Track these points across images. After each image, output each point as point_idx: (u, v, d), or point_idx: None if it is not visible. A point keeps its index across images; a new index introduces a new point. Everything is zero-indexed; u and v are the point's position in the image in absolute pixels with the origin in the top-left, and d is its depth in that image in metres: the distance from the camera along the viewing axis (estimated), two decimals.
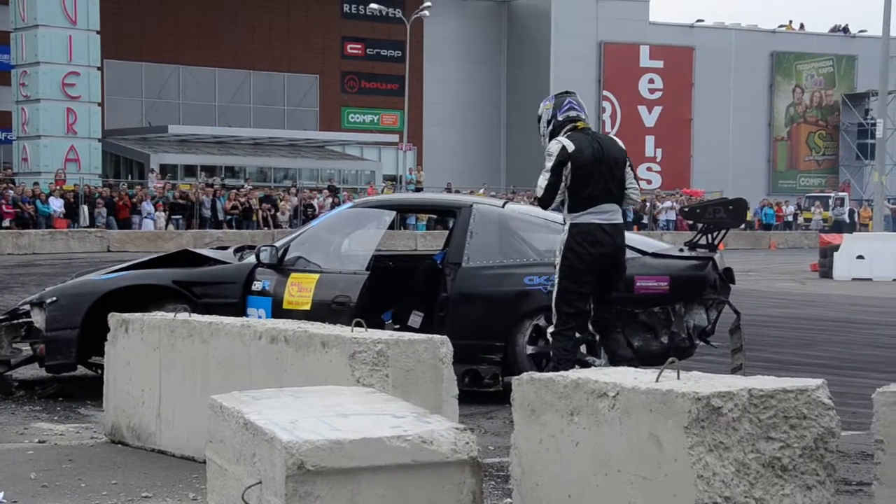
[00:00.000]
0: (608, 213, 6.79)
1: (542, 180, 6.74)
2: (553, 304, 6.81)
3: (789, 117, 58.98)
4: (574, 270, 6.73)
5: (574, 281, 6.74)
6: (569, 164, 6.66)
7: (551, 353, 6.92)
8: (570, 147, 6.70)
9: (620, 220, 6.91)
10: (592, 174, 6.70)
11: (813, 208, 46.12)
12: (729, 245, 32.32)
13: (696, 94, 55.88)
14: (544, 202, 6.79)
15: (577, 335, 6.92)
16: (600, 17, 53.70)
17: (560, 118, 6.92)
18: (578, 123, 6.90)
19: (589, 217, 6.73)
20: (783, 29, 59.82)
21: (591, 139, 6.84)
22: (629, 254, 7.92)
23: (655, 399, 3.26)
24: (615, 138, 7.10)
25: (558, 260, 6.79)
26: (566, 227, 6.79)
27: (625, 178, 6.91)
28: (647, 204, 42.82)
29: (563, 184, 6.69)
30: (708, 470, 3.16)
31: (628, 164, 6.97)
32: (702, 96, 55.75)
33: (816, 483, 3.33)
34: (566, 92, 7.18)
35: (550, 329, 6.89)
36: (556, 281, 6.80)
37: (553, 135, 6.90)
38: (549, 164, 6.72)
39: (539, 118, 7.11)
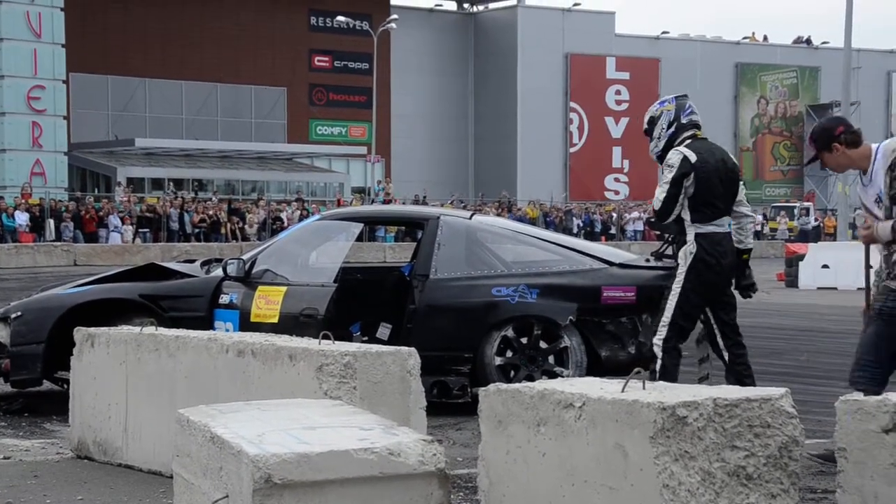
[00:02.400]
0: (724, 225, 6.68)
1: (661, 192, 6.55)
2: (669, 317, 6.59)
3: (754, 128, 59.48)
4: (702, 282, 6.56)
5: (700, 293, 6.58)
6: (692, 175, 6.48)
7: (658, 368, 6.62)
8: (693, 158, 6.52)
9: (731, 231, 6.79)
10: (715, 185, 6.55)
11: (778, 218, 46.48)
12: None
13: None
14: (663, 215, 6.58)
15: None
16: (566, 28, 53.97)
17: (684, 121, 6.77)
18: (698, 132, 6.78)
19: (713, 227, 6.59)
20: (747, 41, 60.37)
21: (713, 149, 6.71)
22: (596, 264, 7.97)
23: (621, 409, 3.28)
24: (727, 152, 6.95)
25: (683, 271, 6.55)
26: (691, 238, 6.58)
27: (737, 192, 6.78)
28: (615, 214, 43.01)
29: (682, 195, 6.53)
30: (674, 479, 3.18)
31: (741, 180, 6.88)
32: None
33: (781, 491, 3.36)
34: (684, 95, 7.03)
35: (658, 339, 6.63)
36: (678, 293, 6.55)
37: (673, 137, 6.72)
38: (668, 175, 6.52)
39: (653, 119, 6.87)
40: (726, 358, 6.80)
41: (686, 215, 6.61)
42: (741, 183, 6.91)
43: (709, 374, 7.58)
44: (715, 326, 6.83)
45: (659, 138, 6.82)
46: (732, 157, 6.98)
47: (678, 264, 6.67)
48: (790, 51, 60.56)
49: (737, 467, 3.29)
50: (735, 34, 62.22)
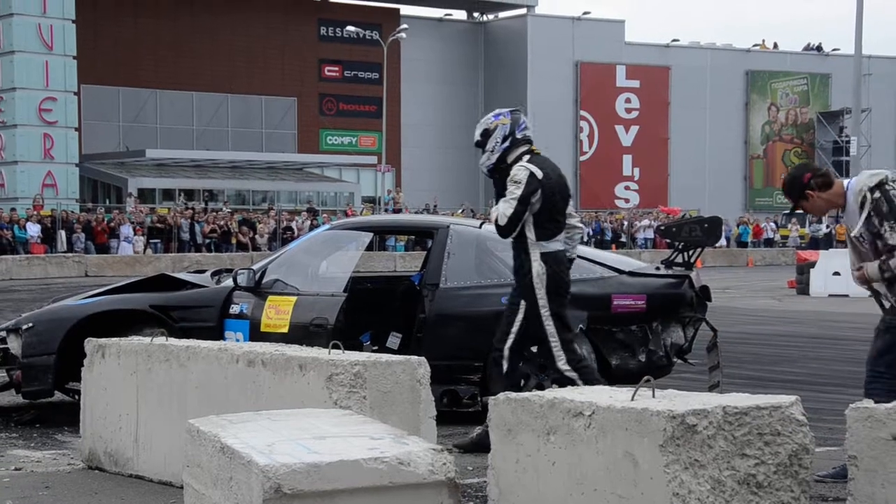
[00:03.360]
0: (562, 241, 6.63)
1: (507, 208, 6.40)
2: (549, 338, 6.45)
3: (765, 135, 59.38)
4: (559, 295, 6.50)
5: (560, 304, 6.52)
6: (539, 192, 6.41)
7: (579, 381, 6.43)
8: (540, 174, 6.43)
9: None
10: (559, 201, 6.52)
11: (790, 226, 46.37)
12: (706, 262, 32.43)
13: (673, 113, 56.20)
14: (506, 232, 6.48)
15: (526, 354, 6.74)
16: (577, 37, 53.99)
17: (518, 136, 6.64)
18: (533, 147, 6.68)
19: (555, 245, 6.55)
20: (757, 48, 60.30)
21: (551, 164, 6.63)
22: (606, 272, 7.97)
23: (631, 418, 3.28)
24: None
25: (541, 290, 6.45)
26: (537, 258, 6.48)
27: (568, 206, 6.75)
28: (625, 222, 42.96)
29: (528, 212, 6.43)
30: (683, 488, 3.18)
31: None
32: (678, 115, 56.07)
33: (791, 499, 3.35)
34: (517, 109, 6.94)
35: (564, 366, 6.47)
36: (549, 316, 6.44)
37: (506, 152, 6.61)
38: (516, 192, 6.37)
39: (487, 132, 6.65)
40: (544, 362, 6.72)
41: (530, 233, 6.50)
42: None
43: (719, 382, 7.57)
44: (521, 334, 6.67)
45: (492, 151, 6.64)
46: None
47: (535, 287, 6.49)
48: (801, 58, 60.48)
49: (747, 475, 3.28)
50: (745, 42, 62.18)
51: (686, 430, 3.19)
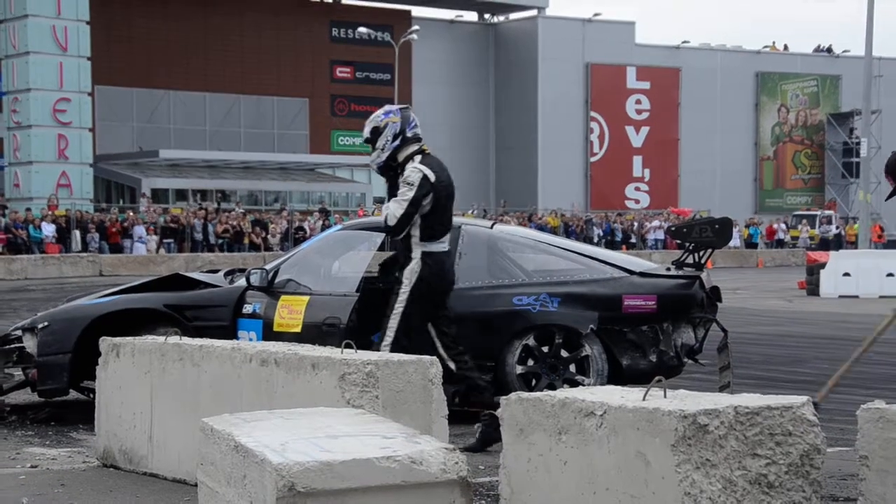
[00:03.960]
0: (447, 242, 6.68)
1: (398, 209, 6.42)
2: (387, 330, 6.50)
3: (775, 136, 59.27)
4: (423, 301, 6.51)
5: (421, 310, 6.54)
6: (430, 195, 6.44)
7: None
8: (433, 176, 6.46)
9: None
10: (447, 202, 6.56)
11: (800, 226, 46.27)
12: (717, 263, 32.38)
13: (683, 115, 56.13)
14: (395, 232, 6.49)
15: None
16: (587, 38, 53.96)
17: (409, 134, 6.64)
18: (424, 146, 6.69)
19: (439, 246, 6.57)
20: (767, 49, 60.18)
21: (441, 165, 6.64)
22: (616, 273, 7.99)
23: (642, 417, 3.30)
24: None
25: (407, 289, 6.49)
26: (417, 257, 6.51)
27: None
28: (635, 223, 42.91)
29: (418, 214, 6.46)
30: (695, 487, 3.19)
31: None
32: (688, 116, 55.99)
33: (803, 499, 3.37)
34: (406, 107, 6.95)
35: (385, 344, 6.46)
36: (400, 311, 6.48)
37: (396, 150, 6.61)
38: (409, 194, 6.40)
39: (377, 130, 6.66)
40: (453, 367, 6.62)
41: (416, 233, 6.51)
42: None
43: (730, 383, 7.58)
44: (436, 340, 6.66)
45: (382, 150, 6.65)
46: None
47: (403, 283, 6.55)
48: (811, 59, 60.35)
49: (758, 475, 3.29)
50: (756, 43, 61.96)
51: (697, 430, 3.21)
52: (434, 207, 6.50)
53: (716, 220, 8.08)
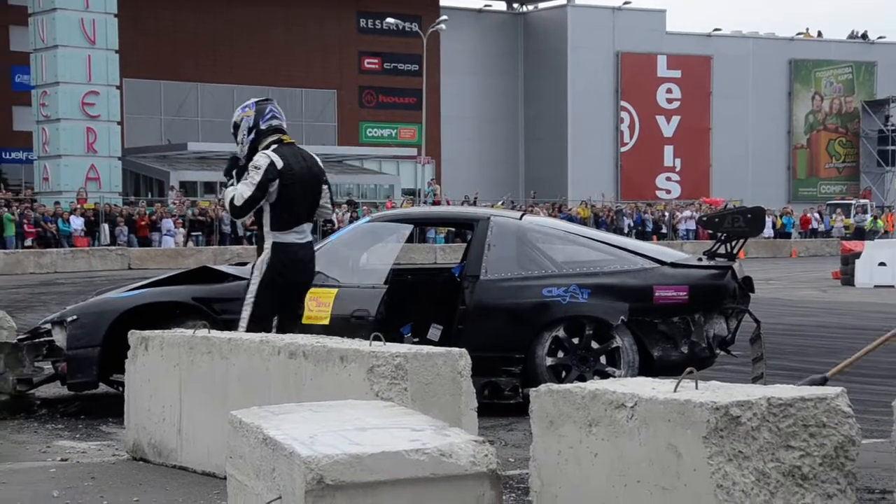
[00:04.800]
0: (305, 233, 6.70)
1: (246, 190, 6.48)
2: (244, 324, 6.53)
3: (809, 125, 58.86)
4: (273, 290, 6.55)
5: (269, 301, 6.56)
6: (277, 182, 6.47)
7: None
8: (280, 163, 6.50)
9: (311, 238, 6.81)
10: (298, 192, 6.56)
11: (834, 216, 45.93)
12: (749, 253, 32.20)
13: (715, 103, 55.83)
14: (239, 213, 6.54)
15: None
16: (617, 27, 53.76)
17: (263, 126, 6.71)
18: (284, 137, 6.73)
19: (292, 237, 6.61)
20: (801, 36, 59.76)
21: (298, 155, 6.67)
22: (647, 263, 7.93)
23: (674, 409, 3.25)
24: (315, 156, 6.94)
25: (257, 278, 6.56)
26: (268, 247, 6.58)
27: (319, 197, 6.79)
28: (667, 214, 42.73)
29: (265, 200, 6.50)
30: (727, 479, 3.15)
31: (326, 184, 6.86)
32: (720, 105, 55.68)
33: (837, 491, 3.31)
34: (266, 99, 6.99)
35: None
36: (251, 301, 6.56)
37: (254, 143, 6.67)
38: (256, 177, 6.46)
39: (236, 125, 6.79)
40: None
41: (267, 221, 6.57)
42: (326, 188, 6.84)
43: (763, 374, 7.52)
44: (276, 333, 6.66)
45: (242, 143, 6.74)
46: (319, 163, 6.89)
47: (254, 272, 6.62)
48: (845, 46, 59.86)
49: (792, 467, 3.25)
50: (789, 30, 61.67)
51: (730, 422, 3.17)
52: (281, 196, 6.52)
53: (748, 209, 8.01)
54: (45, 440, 6.76)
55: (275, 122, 6.76)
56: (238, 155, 6.86)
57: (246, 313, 6.60)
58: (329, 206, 6.88)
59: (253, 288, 6.61)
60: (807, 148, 58.91)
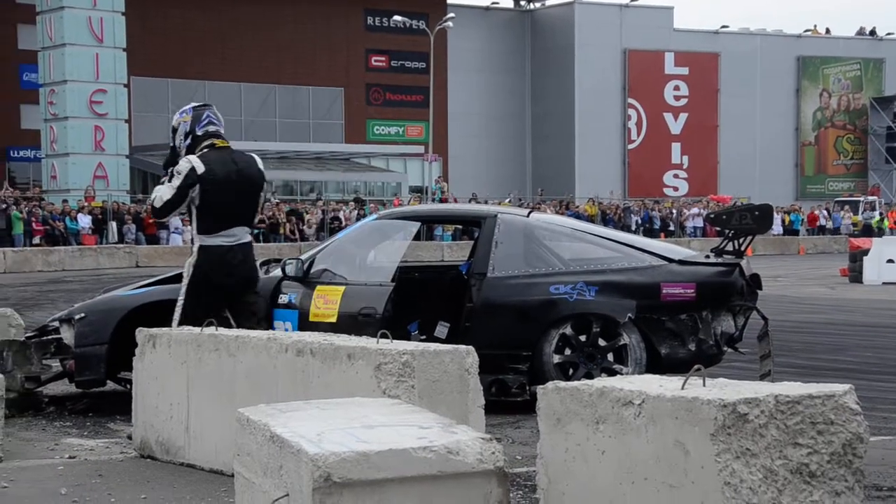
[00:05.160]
0: (236, 237, 6.75)
1: (167, 193, 6.65)
2: (175, 325, 6.64)
3: (817, 122, 58.73)
4: (200, 293, 6.65)
5: (199, 303, 6.63)
6: (197, 186, 6.58)
7: None
8: (200, 169, 6.59)
9: (248, 240, 6.86)
10: (224, 197, 6.62)
11: (842, 213, 45.82)
12: (757, 251, 32.15)
13: (722, 101, 55.74)
14: (159, 215, 6.75)
15: None
16: (624, 24, 53.69)
17: (199, 132, 6.82)
18: (217, 141, 6.82)
19: (219, 240, 6.67)
20: (809, 33, 59.62)
21: (228, 160, 6.73)
22: (655, 261, 7.92)
23: (681, 406, 3.25)
24: (256, 158, 7.00)
25: (186, 280, 6.71)
26: (195, 250, 6.71)
27: (258, 201, 6.90)
28: (674, 211, 42.68)
29: (186, 203, 6.62)
30: (735, 477, 3.15)
31: (263, 190, 6.95)
32: (728, 102, 55.59)
33: (845, 489, 3.31)
34: (204, 105, 7.07)
35: None
36: (181, 302, 6.69)
37: (191, 149, 6.79)
38: (176, 182, 6.61)
39: (174, 130, 6.92)
40: None
41: (194, 226, 6.71)
42: (263, 194, 6.95)
43: (770, 371, 7.50)
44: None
45: (179, 148, 6.86)
46: (259, 165, 6.95)
47: (184, 275, 6.76)
48: (853, 43, 59.71)
49: (799, 464, 3.24)
50: (796, 27, 61.55)
51: (737, 419, 3.16)
52: (204, 201, 6.62)
53: (756, 206, 7.99)
54: (53, 438, 6.77)
55: (211, 128, 6.86)
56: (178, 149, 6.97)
57: (176, 314, 6.71)
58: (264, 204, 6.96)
59: (182, 290, 6.74)
60: (815, 145, 58.78)
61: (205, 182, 6.60)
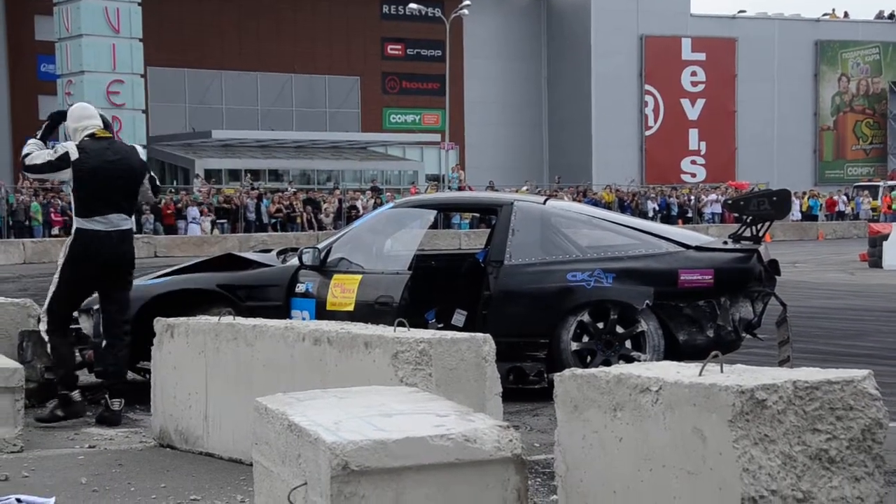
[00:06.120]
0: (111, 222, 6.87)
1: (38, 158, 6.87)
2: (46, 305, 6.90)
3: (835, 106, 58.37)
4: (73, 272, 6.84)
5: (72, 281, 6.86)
6: (69, 171, 6.81)
7: (50, 352, 6.99)
8: (74, 155, 6.82)
9: (126, 227, 6.98)
10: (97, 185, 6.81)
11: (861, 198, 45.58)
12: (775, 236, 32.01)
13: (740, 86, 55.45)
14: (27, 170, 6.97)
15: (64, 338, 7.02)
16: (641, 10, 53.43)
17: (80, 124, 7.04)
18: (98, 131, 6.98)
19: (94, 225, 6.82)
20: (827, 17, 59.22)
21: (104, 149, 6.91)
22: (672, 247, 7.89)
23: (699, 393, 3.24)
24: (137, 149, 7.22)
25: (61, 261, 6.91)
26: (73, 231, 6.91)
27: (136, 190, 7.03)
28: (692, 197, 42.53)
29: (66, 185, 6.94)
30: (753, 463, 3.14)
31: (147, 175, 7.09)
32: (745, 88, 55.31)
33: (865, 475, 3.29)
34: (83, 105, 7.32)
35: (43, 328, 6.97)
36: (55, 278, 6.90)
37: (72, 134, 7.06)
38: (50, 156, 6.86)
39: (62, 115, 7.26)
40: (102, 344, 7.03)
41: (73, 207, 6.94)
42: (147, 179, 7.07)
43: (789, 357, 7.48)
44: (101, 315, 7.09)
45: (67, 129, 7.14)
46: (140, 155, 7.16)
47: (61, 253, 6.99)
48: (872, 26, 59.27)
49: (819, 450, 3.23)
50: (814, 11, 61.10)
51: (755, 405, 3.15)
52: (78, 187, 6.84)
53: (774, 192, 7.95)
54: (74, 427, 6.80)
55: (93, 121, 7.07)
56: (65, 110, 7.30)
57: (50, 290, 6.94)
58: (149, 191, 7.14)
59: (57, 269, 6.96)
60: (833, 130, 58.44)
61: (77, 169, 6.82)
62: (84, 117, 7.04)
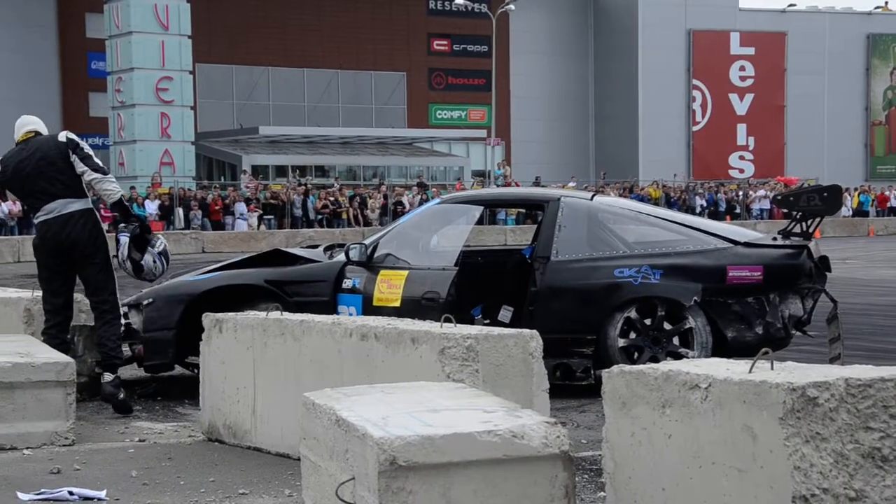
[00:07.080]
0: (52, 211, 6.96)
1: None
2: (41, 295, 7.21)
3: (887, 101, 57.58)
4: (39, 263, 7.10)
5: (40, 276, 7.14)
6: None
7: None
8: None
9: (72, 210, 6.97)
10: (22, 183, 7.06)
11: None
12: (826, 233, 31.66)
13: (789, 80, 54.88)
14: None
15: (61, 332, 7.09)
16: (689, 4, 53.04)
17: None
18: (20, 137, 7.13)
19: (41, 217, 7.00)
20: (879, 10, 58.41)
21: (21, 149, 7.07)
22: (720, 243, 7.82)
23: (749, 390, 3.21)
24: (56, 136, 7.14)
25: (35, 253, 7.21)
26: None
27: (65, 170, 6.97)
28: (740, 193, 42.16)
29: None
30: (805, 461, 3.10)
31: (72, 155, 7.00)
32: (795, 82, 54.73)
33: None
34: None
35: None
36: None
37: None
38: None
39: None
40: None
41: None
42: (75, 157, 6.99)
43: (840, 354, 7.40)
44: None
45: None
46: (58, 140, 7.04)
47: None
48: None
49: (871, 449, 3.18)
50: (866, 4, 60.26)
51: (807, 403, 3.11)
52: (12, 192, 7.46)
53: (824, 187, 7.86)
54: (124, 421, 6.87)
55: (29, 128, 7.21)
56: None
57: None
58: (84, 168, 7.00)
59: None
60: (885, 124, 57.65)
61: (2, 183, 7.28)
62: (15, 130, 7.24)
